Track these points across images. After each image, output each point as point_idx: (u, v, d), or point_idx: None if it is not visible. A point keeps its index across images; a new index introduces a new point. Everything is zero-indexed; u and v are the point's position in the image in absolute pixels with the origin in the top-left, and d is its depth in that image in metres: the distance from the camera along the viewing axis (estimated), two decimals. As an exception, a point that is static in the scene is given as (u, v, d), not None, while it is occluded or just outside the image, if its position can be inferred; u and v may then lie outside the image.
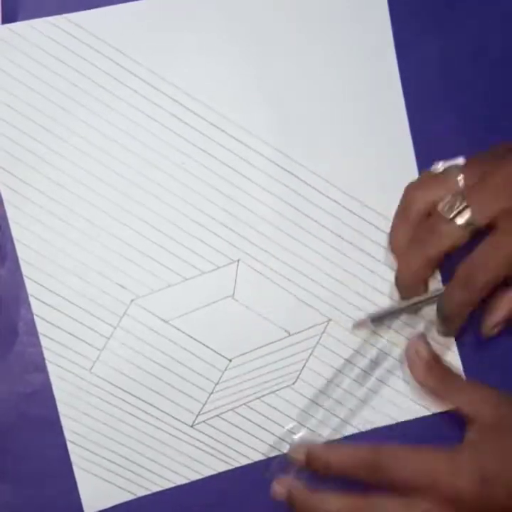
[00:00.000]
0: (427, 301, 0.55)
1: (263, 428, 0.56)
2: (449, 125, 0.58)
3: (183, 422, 0.56)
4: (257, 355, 0.56)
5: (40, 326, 0.54)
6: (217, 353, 0.56)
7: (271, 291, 0.57)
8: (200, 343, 0.56)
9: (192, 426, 0.56)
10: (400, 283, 0.55)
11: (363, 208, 0.57)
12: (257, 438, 0.56)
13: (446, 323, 0.54)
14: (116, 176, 0.55)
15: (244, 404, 0.56)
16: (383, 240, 0.57)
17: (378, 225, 0.57)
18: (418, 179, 0.55)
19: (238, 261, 0.56)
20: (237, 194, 0.56)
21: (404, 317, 0.57)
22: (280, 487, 0.55)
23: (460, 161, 0.53)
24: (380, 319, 0.56)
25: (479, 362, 0.58)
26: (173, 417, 0.56)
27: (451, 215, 0.51)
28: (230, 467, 0.56)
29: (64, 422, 0.55)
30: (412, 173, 0.57)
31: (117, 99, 0.55)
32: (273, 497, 0.55)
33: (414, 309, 0.56)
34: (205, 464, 0.56)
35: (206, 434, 0.56)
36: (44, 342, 0.54)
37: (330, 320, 0.57)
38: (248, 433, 0.56)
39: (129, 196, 0.55)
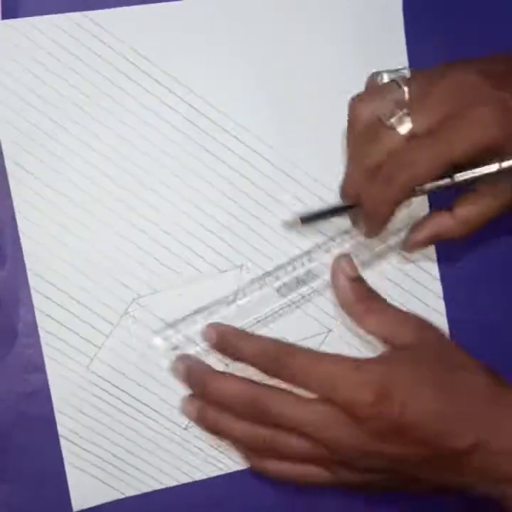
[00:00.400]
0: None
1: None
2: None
3: (176, 424, 0.56)
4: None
5: (40, 320, 0.54)
6: (216, 357, 0.56)
7: (273, 298, 0.56)
8: (199, 345, 0.56)
9: (185, 428, 0.56)
10: (340, 191, 0.53)
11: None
12: (249, 445, 0.56)
13: (368, 222, 0.53)
14: (125, 175, 0.55)
15: (239, 409, 0.56)
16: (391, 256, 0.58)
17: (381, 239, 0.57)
18: (363, 91, 0.53)
19: (241, 266, 0.56)
20: (244, 199, 0.56)
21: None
22: (180, 362, 0.55)
23: (406, 72, 0.52)
24: (309, 219, 0.54)
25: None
26: (167, 418, 0.56)
27: (393, 124, 0.49)
28: (221, 473, 0.56)
29: (58, 417, 0.54)
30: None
31: (128, 97, 0.55)
32: (172, 372, 0.55)
33: (345, 213, 0.54)
34: (196, 468, 0.56)
35: (199, 438, 0.56)
36: (43, 335, 0.54)
37: (330, 331, 0.57)
38: (241, 439, 0.56)
39: (137, 195, 0.55)
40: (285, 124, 0.57)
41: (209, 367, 0.55)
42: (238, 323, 0.56)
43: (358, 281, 0.55)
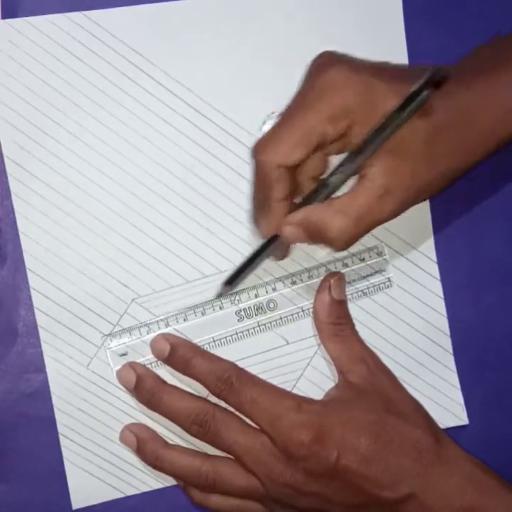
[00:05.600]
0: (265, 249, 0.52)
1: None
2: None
3: (176, 424, 0.56)
4: (255, 362, 0.56)
5: (40, 320, 0.54)
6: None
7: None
8: (199, 345, 0.56)
9: (185, 428, 0.56)
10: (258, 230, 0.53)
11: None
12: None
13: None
14: (125, 175, 0.55)
15: (238, 409, 0.56)
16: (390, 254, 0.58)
17: (382, 239, 0.57)
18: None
19: (242, 266, 0.56)
20: (244, 200, 0.56)
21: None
22: (130, 370, 0.54)
23: None
24: (232, 279, 0.53)
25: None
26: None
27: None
28: (221, 472, 0.56)
29: (58, 416, 0.55)
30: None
31: (128, 97, 0.55)
32: (119, 379, 0.55)
33: (258, 260, 0.53)
34: (196, 467, 0.56)
35: (199, 438, 0.56)
36: (43, 335, 0.54)
37: (329, 331, 0.57)
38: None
39: (136, 195, 0.55)
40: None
41: (160, 379, 0.54)
42: (193, 340, 0.56)
43: (339, 303, 0.55)
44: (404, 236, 0.58)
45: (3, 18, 0.53)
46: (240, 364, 0.55)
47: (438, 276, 0.58)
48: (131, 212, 0.55)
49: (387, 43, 0.56)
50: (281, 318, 0.56)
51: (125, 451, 0.55)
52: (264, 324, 0.56)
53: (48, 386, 0.54)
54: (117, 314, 0.55)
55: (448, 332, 0.58)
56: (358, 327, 0.56)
